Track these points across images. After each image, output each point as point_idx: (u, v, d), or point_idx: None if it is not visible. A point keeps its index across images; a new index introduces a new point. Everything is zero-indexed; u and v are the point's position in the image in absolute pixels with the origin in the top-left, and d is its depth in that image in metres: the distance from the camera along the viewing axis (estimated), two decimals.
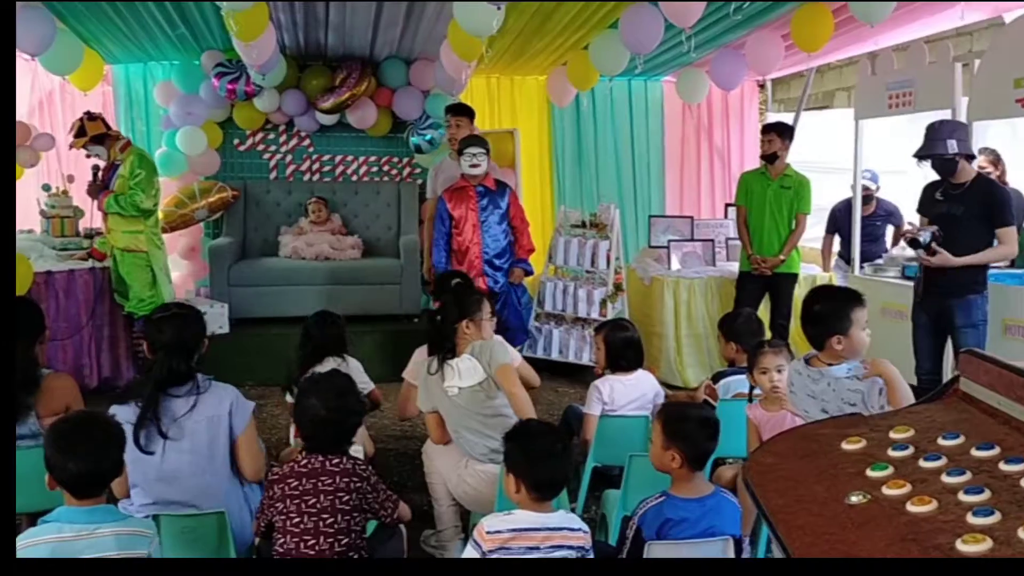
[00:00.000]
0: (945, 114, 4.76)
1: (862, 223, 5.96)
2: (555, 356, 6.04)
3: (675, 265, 6.40)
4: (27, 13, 4.58)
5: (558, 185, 8.12)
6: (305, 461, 2.54)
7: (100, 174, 5.47)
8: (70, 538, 2.15)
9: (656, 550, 2.41)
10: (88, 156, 5.53)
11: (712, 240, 6.66)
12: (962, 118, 4.73)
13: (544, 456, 2.39)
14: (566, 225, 6.27)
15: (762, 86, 8.37)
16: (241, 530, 2.84)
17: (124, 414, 2.65)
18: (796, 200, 5.64)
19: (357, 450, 2.99)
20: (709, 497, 2.50)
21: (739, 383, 3.75)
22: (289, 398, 3.63)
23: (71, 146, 5.49)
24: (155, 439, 2.69)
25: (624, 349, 3.77)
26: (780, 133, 5.65)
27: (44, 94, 6.93)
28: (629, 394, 3.71)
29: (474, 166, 5.36)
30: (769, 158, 5.65)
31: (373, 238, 7.03)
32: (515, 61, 7.17)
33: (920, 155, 4.25)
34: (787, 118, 7.05)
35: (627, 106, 8.14)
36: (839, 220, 6.35)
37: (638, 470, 3.10)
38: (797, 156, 6.11)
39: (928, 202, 4.43)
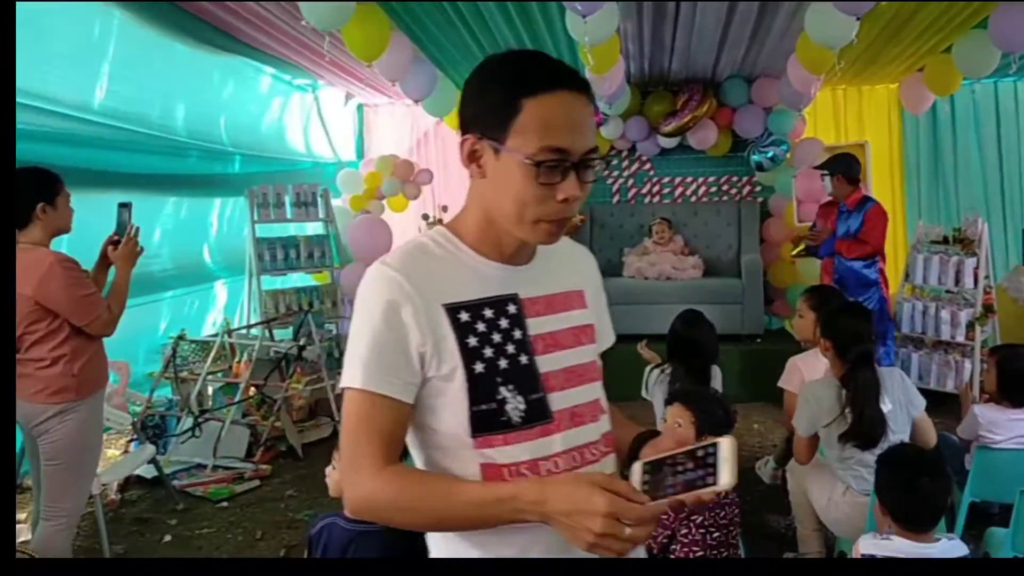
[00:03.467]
0: None
1: None
2: (914, 382, 5.63)
3: None
4: (416, 66, 5.27)
5: (911, 200, 7.60)
6: None
7: None
8: None
9: None
10: None
11: None
12: None
13: (906, 487, 2.29)
14: (925, 241, 5.84)
15: None
16: None
17: None
18: None
19: None
20: None
21: None
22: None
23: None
24: None
25: (1016, 380, 3.46)
26: None
27: (421, 135, 7.91)
28: (1015, 428, 3.39)
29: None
30: None
31: (713, 257, 7.08)
32: (865, 70, 6.85)
33: None
34: None
35: (993, 110, 7.41)
36: None
37: None
38: None
39: None
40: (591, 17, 4.30)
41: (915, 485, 2.29)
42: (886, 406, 3.01)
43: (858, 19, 4.20)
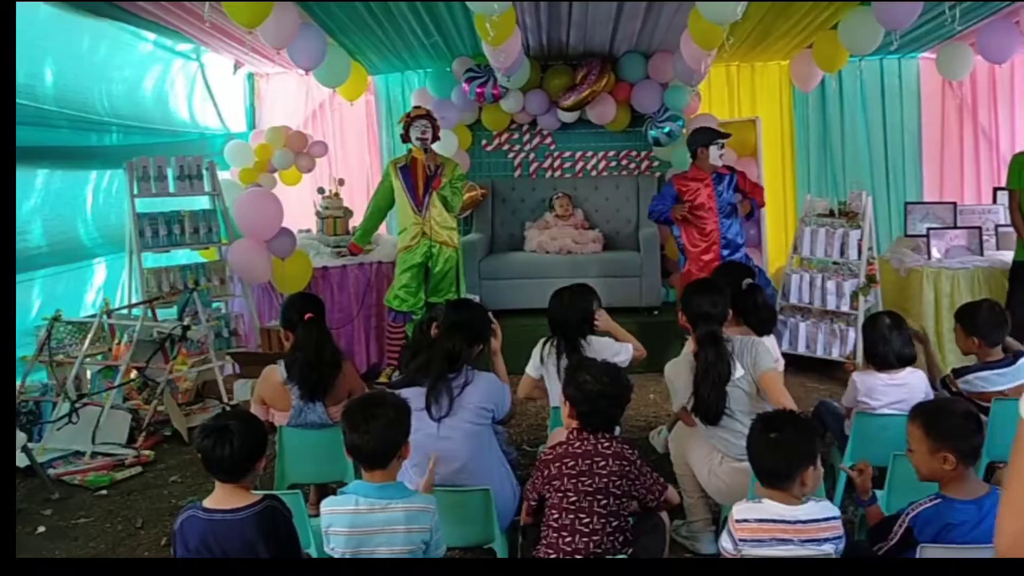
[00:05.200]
0: None
1: None
2: (802, 351, 5.81)
3: (935, 255, 5.95)
4: (304, 31, 5.06)
5: (801, 174, 7.81)
6: (579, 443, 2.65)
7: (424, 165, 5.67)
8: (365, 511, 2.39)
9: (931, 553, 2.29)
10: (422, 135, 5.62)
11: (979, 227, 6.11)
12: None
13: (765, 445, 2.39)
14: (812, 215, 6.00)
15: None
16: (503, 506, 3.03)
17: (411, 395, 2.92)
18: None
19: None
20: (986, 497, 2.36)
21: (984, 380, 3.58)
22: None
23: (410, 115, 5.70)
24: (436, 416, 2.97)
25: (879, 344, 3.58)
26: None
27: (316, 106, 7.67)
28: (891, 394, 3.51)
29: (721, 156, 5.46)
30: None
31: (613, 232, 7.12)
32: (756, 47, 6.97)
33: None
34: None
35: (879, 86, 7.66)
36: None
37: (902, 471, 2.97)
38: None
39: None
40: None
41: (770, 442, 2.38)
42: (737, 372, 3.14)
43: None
